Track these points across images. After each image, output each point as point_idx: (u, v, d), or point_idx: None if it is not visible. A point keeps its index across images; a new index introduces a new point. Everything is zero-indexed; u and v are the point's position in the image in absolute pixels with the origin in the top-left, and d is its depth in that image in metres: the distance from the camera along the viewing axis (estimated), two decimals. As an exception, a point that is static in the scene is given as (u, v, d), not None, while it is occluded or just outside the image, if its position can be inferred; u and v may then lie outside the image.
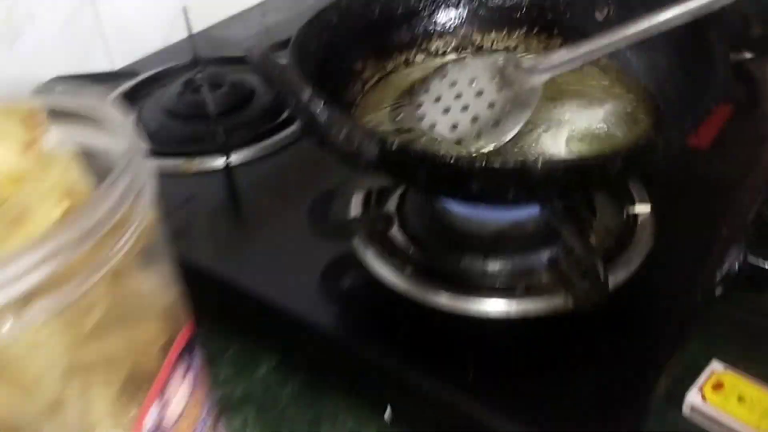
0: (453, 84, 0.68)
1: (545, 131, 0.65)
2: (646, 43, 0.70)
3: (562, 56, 0.65)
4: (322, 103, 0.47)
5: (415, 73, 0.76)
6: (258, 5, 1.29)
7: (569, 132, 0.64)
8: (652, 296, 0.64)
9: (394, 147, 0.52)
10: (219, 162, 0.83)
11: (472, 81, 0.67)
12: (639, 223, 0.70)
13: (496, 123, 0.65)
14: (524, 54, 0.77)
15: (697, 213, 0.71)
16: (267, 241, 0.73)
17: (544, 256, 0.67)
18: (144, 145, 0.40)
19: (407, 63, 0.76)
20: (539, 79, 0.66)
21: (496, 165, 0.50)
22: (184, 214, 0.78)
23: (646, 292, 0.64)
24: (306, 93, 0.47)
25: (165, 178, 0.82)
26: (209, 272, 0.70)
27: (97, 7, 1.06)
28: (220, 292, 0.70)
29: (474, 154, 0.59)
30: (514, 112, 0.65)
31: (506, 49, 0.78)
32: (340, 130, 0.49)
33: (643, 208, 0.70)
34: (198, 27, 1.18)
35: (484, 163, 0.50)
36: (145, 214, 0.40)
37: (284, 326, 0.67)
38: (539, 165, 0.50)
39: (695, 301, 0.63)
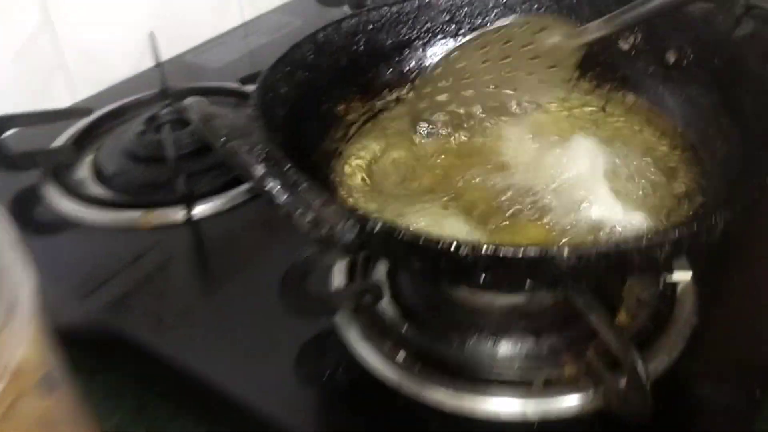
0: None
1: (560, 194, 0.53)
2: (682, 76, 0.59)
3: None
4: (278, 183, 0.36)
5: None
6: (239, 27, 1.17)
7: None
8: (699, 390, 0.53)
9: (378, 229, 0.40)
10: (179, 215, 0.71)
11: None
12: (678, 293, 0.58)
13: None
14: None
15: (748, 279, 0.60)
16: (230, 316, 0.62)
17: (567, 339, 0.55)
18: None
19: (399, 101, 0.65)
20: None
21: (510, 254, 0.38)
22: (131, 277, 0.66)
23: (692, 385, 0.53)
24: (257, 169, 0.36)
25: (118, 233, 0.72)
26: (156, 355, 0.59)
27: (56, 34, 0.95)
28: (171, 380, 0.59)
29: (481, 240, 0.47)
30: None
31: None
32: (305, 213, 0.37)
33: (682, 276, 0.58)
34: (172, 52, 1.07)
35: (493, 252, 0.38)
36: (16, 350, 0.29)
37: (251, 427, 0.55)
38: (565, 254, 0.38)
39: (753, 396, 0.51)
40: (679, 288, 0.58)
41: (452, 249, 0.39)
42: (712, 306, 0.57)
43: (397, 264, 0.53)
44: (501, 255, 0.39)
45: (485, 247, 0.38)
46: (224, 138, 0.36)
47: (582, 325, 0.55)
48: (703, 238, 0.40)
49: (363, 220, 0.41)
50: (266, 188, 0.36)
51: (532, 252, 0.38)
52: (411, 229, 0.40)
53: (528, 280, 0.40)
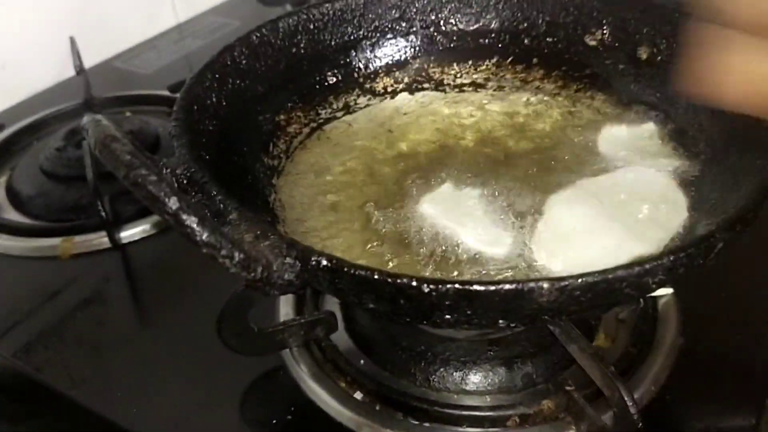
0: None
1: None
2: (656, 73, 0.53)
3: None
4: (196, 219, 0.29)
5: (358, 120, 0.58)
6: (173, 29, 1.09)
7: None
8: (690, 419, 0.48)
9: (323, 266, 0.33)
10: (103, 240, 0.63)
11: None
12: (660, 310, 0.53)
13: None
14: (495, 90, 0.60)
15: (733, 291, 0.55)
16: (163, 356, 0.55)
17: (542, 367, 0.50)
18: None
19: (348, 108, 0.58)
20: None
21: (482, 291, 0.32)
22: (49, 314, 0.59)
23: (681, 414, 0.48)
24: (169, 203, 0.29)
25: (35, 263, 0.64)
26: (77, 405, 0.52)
27: (-37, 40, 0.86)
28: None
29: (440, 276, 0.41)
30: None
31: (473, 84, 0.61)
32: (232, 253, 0.30)
33: (663, 291, 0.53)
34: (97, 58, 0.98)
35: (462, 288, 0.32)
36: None
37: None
38: (545, 287, 0.32)
39: (748, 424, 0.47)
40: (661, 304, 0.53)
41: (413, 286, 0.33)
42: (697, 322, 0.52)
43: (348, 304, 0.47)
44: (471, 292, 0.32)
45: (452, 283, 0.32)
46: (126, 167, 0.29)
47: (557, 350, 0.50)
48: (700, 261, 0.35)
49: (305, 256, 0.34)
50: (183, 225, 0.30)
51: (508, 287, 0.32)
52: (363, 265, 0.33)
53: (501, 319, 0.34)
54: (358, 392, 0.50)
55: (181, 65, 1.00)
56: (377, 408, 0.49)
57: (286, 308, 0.55)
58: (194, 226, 0.30)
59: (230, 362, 0.52)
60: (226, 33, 1.06)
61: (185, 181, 0.39)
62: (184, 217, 0.30)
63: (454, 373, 0.50)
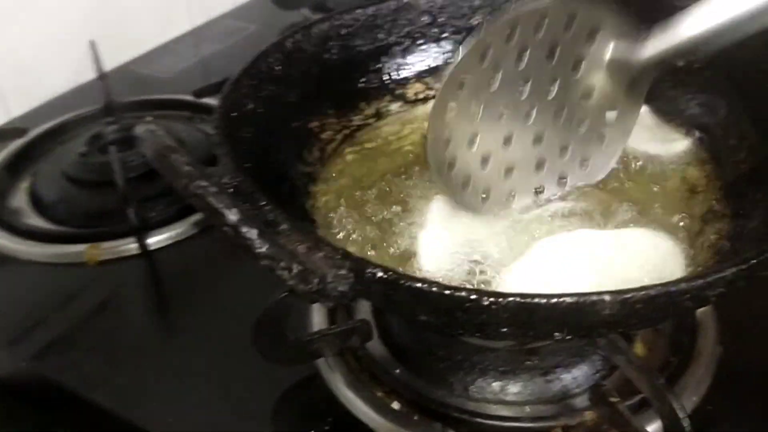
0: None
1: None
2: (694, 80, 0.53)
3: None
4: (256, 230, 0.29)
5: (389, 127, 0.58)
6: (188, 33, 1.08)
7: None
8: (731, 426, 0.47)
9: (378, 278, 0.33)
10: (131, 246, 0.63)
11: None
12: (698, 318, 0.52)
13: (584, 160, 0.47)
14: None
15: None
16: (192, 364, 0.54)
17: (582, 376, 0.49)
18: None
19: (379, 115, 0.57)
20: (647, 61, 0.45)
21: (542, 304, 0.32)
22: (75, 320, 0.58)
23: (725, 424, 0.47)
24: (229, 214, 0.28)
25: (60, 269, 0.64)
26: (102, 412, 0.51)
27: (-17, 44, 0.85)
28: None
29: (493, 289, 0.40)
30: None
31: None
32: (290, 266, 0.30)
33: (701, 300, 0.53)
34: (115, 62, 0.98)
35: (522, 301, 0.32)
36: None
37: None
38: (607, 299, 0.32)
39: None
40: (699, 312, 0.53)
41: (472, 299, 0.32)
42: (735, 331, 0.52)
43: (402, 317, 0.46)
44: (532, 305, 0.32)
45: (513, 296, 0.32)
46: (186, 178, 0.28)
47: (597, 359, 0.50)
48: (759, 272, 0.34)
49: (359, 268, 0.33)
50: (243, 237, 0.29)
51: (569, 300, 0.32)
52: (420, 277, 0.33)
53: (557, 332, 0.34)
54: (396, 402, 0.49)
55: (198, 70, 0.99)
56: (415, 418, 0.48)
57: (319, 317, 0.54)
58: (254, 238, 0.29)
59: (262, 371, 0.52)
60: (242, 37, 1.05)
61: (231, 191, 0.39)
62: (245, 229, 0.29)
63: (493, 383, 0.49)
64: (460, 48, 0.43)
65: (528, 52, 0.45)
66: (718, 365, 0.50)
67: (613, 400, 0.45)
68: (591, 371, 0.49)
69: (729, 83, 0.50)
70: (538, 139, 0.48)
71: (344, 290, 0.34)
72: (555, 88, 0.47)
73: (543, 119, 0.48)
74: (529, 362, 0.49)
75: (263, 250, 0.30)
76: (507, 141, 0.47)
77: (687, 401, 0.47)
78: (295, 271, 0.31)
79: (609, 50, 0.46)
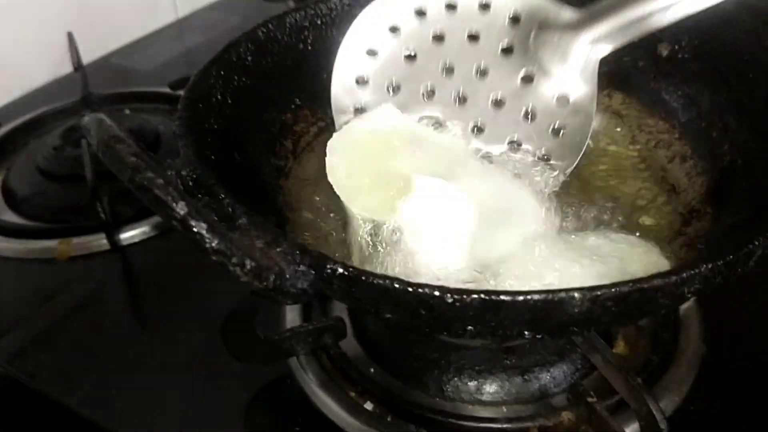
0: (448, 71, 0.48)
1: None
2: (678, 71, 0.51)
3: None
4: (205, 225, 0.27)
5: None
6: (172, 25, 1.07)
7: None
8: (714, 427, 0.46)
9: (339, 273, 0.31)
10: (102, 242, 0.61)
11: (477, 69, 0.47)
12: (681, 316, 0.51)
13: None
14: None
15: (756, 295, 0.53)
16: (165, 364, 0.53)
17: (560, 375, 0.48)
18: None
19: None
20: (591, 62, 0.45)
21: (508, 301, 0.30)
22: (44, 318, 0.57)
23: (706, 425, 0.46)
24: (177, 208, 0.27)
25: (31, 265, 0.62)
26: (72, 416, 0.50)
27: (-43, 36, 0.83)
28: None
29: (466, 284, 0.39)
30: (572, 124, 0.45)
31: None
32: (243, 261, 0.28)
33: (684, 297, 0.51)
34: (95, 54, 0.96)
35: (488, 299, 0.30)
36: None
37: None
38: (577, 297, 0.30)
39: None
40: (682, 310, 0.51)
41: (435, 296, 0.31)
42: (720, 329, 0.51)
43: (365, 313, 0.45)
44: (497, 302, 0.30)
45: (477, 293, 0.30)
46: (131, 169, 0.27)
47: (576, 358, 0.48)
48: (738, 269, 0.33)
49: (319, 264, 0.32)
50: (192, 231, 0.28)
51: (537, 297, 0.30)
52: (381, 274, 0.31)
53: (527, 331, 0.32)
54: (369, 402, 0.48)
55: (181, 62, 0.98)
56: (389, 419, 0.47)
57: (292, 314, 0.53)
58: (203, 232, 0.28)
59: (234, 370, 0.50)
60: (227, 29, 1.03)
61: (191, 183, 0.37)
62: (193, 223, 0.28)
63: (469, 383, 0.48)
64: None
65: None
66: (701, 364, 0.48)
67: (591, 400, 0.44)
68: (570, 370, 0.48)
69: (712, 74, 0.48)
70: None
71: (304, 287, 0.32)
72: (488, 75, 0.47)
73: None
74: (506, 361, 0.48)
75: (213, 245, 0.28)
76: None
77: (668, 401, 0.46)
78: (248, 267, 0.29)
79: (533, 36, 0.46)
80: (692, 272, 0.31)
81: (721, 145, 0.47)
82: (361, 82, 0.51)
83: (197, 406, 0.50)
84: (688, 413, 0.46)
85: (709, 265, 0.31)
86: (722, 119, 0.47)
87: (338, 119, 0.50)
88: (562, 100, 0.47)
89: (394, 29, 0.50)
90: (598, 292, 0.30)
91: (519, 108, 0.47)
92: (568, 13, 0.46)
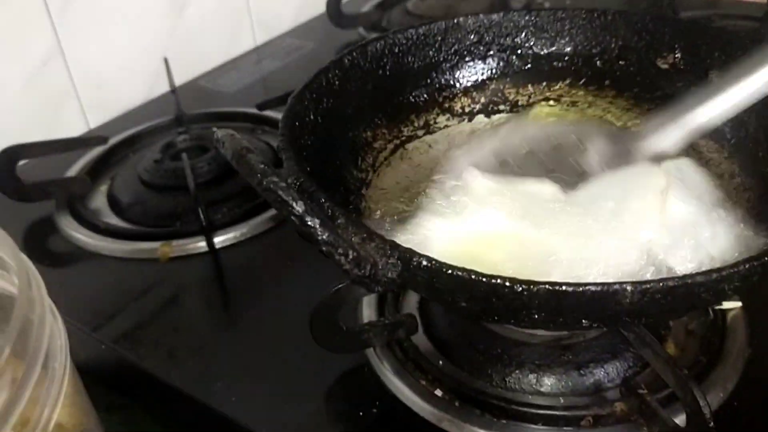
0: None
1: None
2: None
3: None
4: (318, 221, 0.34)
5: (437, 139, 0.62)
6: (252, 51, 1.16)
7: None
8: (758, 427, 0.49)
9: (423, 266, 0.37)
10: (200, 245, 0.69)
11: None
12: (728, 322, 0.55)
13: None
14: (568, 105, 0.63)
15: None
16: (254, 350, 0.59)
17: (614, 371, 0.52)
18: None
19: (427, 127, 0.62)
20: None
21: (570, 292, 0.36)
22: (148, 309, 0.64)
23: (749, 421, 0.50)
24: (297, 206, 0.33)
25: (135, 264, 0.70)
26: (175, 391, 0.56)
27: (67, 60, 0.93)
28: (191, 418, 0.56)
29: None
30: None
31: (546, 100, 0.64)
32: (346, 251, 0.35)
33: (732, 304, 0.55)
34: (184, 77, 1.05)
35: (552, 289, 0.36)
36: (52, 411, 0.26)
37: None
38: (629, 289, 0.35)
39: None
40: (729, 316, 0.55)
41: (507, 286, 0.36)
42: (764, 334, 0.54)
43: (442, 303, 0.51)
44: (560, 292, 0.36)
45: (543, 284, 0.36)
46: (260, 174, 0.33)
47: (629, 356, 0.53)
48: (773, 270, 0.37)
49: (407, 257, 0.38)
50: (307, 225, 0.34)
51: (593, 288, 0.36)
52: (461, 267, 0.37)
53: (584, 319, 0.37)
54: (438, 389, 0.53)
55: (260, 85, 1.06)
56: (456, 404, 0.52)
57: (369, 310, 0.59)
58: (317, 226, 0.34)
59: (317, 359, 0.56)
60: (301, 55, 1.12)
61: (294, 190, 0.44)
62: (308, 219, 0.34)
63: (529, 375, 0.52)
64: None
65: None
66: (746, 365, 0.52)
67: (642, 392, 0.49)
68: (623, 367, 0.52)
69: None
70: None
71: (393, 277, 0.38)
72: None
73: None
74: (563, 357, 0.53)
75: (324, 237, 0.34)
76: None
77: (714, 396, 0.49)
78: (350, 257, 0.36)
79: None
80: (732, 270, 0.36)
81: (766, 164, 0.51)
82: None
83: (284, 389, 0.56)
84: (732, 408, 0.49)
85: (746, 265, 0.36)
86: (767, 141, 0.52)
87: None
88: None
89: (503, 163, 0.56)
90: (648, 285, 0.36)
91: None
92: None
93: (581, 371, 0.52)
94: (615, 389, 0.51)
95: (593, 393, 0.52)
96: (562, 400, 0.51)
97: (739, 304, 0.55)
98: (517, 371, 0.53)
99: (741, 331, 0.54)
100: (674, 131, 0.51)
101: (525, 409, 0.50)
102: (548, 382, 0.52)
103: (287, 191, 0.34)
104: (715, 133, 0.56)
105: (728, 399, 0.50)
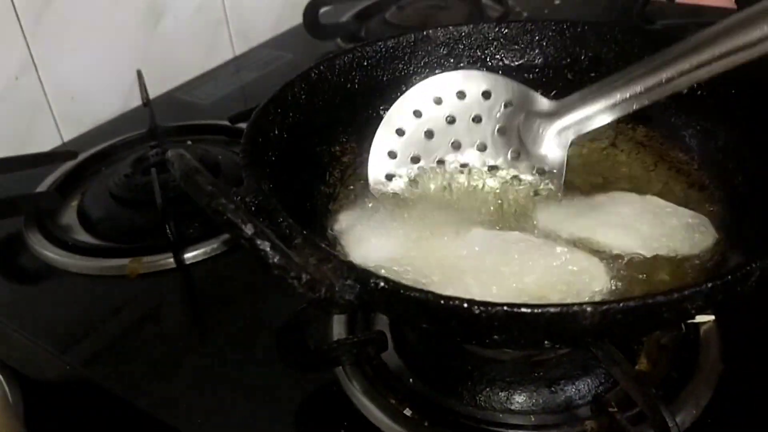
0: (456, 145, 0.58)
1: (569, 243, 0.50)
2: (696, 106, 0.55)
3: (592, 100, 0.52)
4: (268, 243, 0.33)
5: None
6: (230, 62, 1.15)
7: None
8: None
9: (380, 288, 0.36)
10: (170, 261, 0.68)
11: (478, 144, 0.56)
12: (701, 336, 0.54)
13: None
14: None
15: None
16: (223, 369, 0.58)
17: (585, 388, 0.52)
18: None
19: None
20: (563, 140, 0.54)
21: (528, 313, 0.35)
22: (116, 327, 0.63)
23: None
24: (245, 229, 0.32)
25: (105, 281, 0.69)
26: (141, 414, 0.55)
27: (39, 73, 0.92)
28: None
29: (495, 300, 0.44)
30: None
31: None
32: (299, 275, 0.34)
33: (705, 318, 0.55)
34: (161, 89, 1.04)
35: (511, 311, 0.35)
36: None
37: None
38: (589, 311, 0.34)
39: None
40: (702, 330, 0.55)
41: (465, 308, 0.35)
42: (738, 348, 0.54)
43: (403, 323, 0.50)
44: (518, 314, 0.35)
45: (501, 306, 0.35)
46: (208, 196, 0.32)
47: (600, 372, 0.52)
48: (738, 289, 0.37)
49: (363, 278, 0.37)
50: (257, 248, 0.33)
51: (552, 310, 0.35)
52: (418, 288, 0.36)
53: (546, 340, 0.37)
54: (408, 409, 0.52)
55: (238, 96, 1.05)
56: (426, 424, 0.51)
57: (338, 328, 0.58)
58: (267, 250, 0.33)
59: (285, 378, 0.55)
60: (280, 65, 1.11)
61: (253, 208, 0.43)
62: (258, 242, 0.33)
63: (500, 393, 0.52)
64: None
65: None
66: (719, 381, 0.51)
67: (612, 410, 0.48)
68: (594, 384, 0.52)
69: (730, 109, 0.52)
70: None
71: (350, 299, 0.37)
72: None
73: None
74: (534, 374, 0.52)
75: (275, 260, 0.33)
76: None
77: (686, 414, 0.49)
78: (304, 280, 0.35)
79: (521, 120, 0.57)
80: (694, 290, 0.35)
81: (736, 176, 0.51)
82: (391, 155, 0.58)
83: (251, 410, 0.55)
84: (706, 425, 0.49)
85: (710, 284, 0.35)
86: (738, 152, 0.51)
87: (374, 187, 0.58)
88: (540, 171, 0.57)
89: (417, 113, 0.59)
90: (607, 306, 0.35)
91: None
92: (545, 104, 0.57)
93: (552, 388, 0.52)
94: (586, 406, 0.51)
95: (564, 410, 0.51)
96: (533, 418, 0.51)
97: (712, 317, 0.55)
98: (487, 389, 0.52)
99: (714, 345, 0.54)
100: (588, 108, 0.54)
101: (495, 429, 0.50)
102: (519, 400, 0.52)
103: (236, 213, 0.33)
104: (685, 144, 0.56)
105: (701, 416, 0.49)
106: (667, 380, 0.51)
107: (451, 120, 0.59)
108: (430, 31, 0.62)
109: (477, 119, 0.58)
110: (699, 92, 0.55)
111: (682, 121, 0.56)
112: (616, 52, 0.59)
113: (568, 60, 0.62)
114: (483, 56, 0.63)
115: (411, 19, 1.12)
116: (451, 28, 0.62)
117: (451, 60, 0.63)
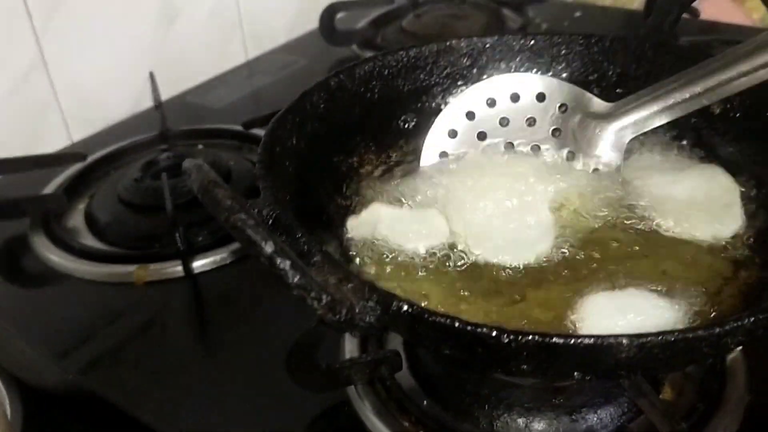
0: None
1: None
2: (730, 127, 0.54)
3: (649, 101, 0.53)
4: (288, 262, 0.31)
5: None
6: (242, 66, 1.13)
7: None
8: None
9: (403, 311, 0.34)
10: (177, 269, 0.66)
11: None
12: (728, 366, 0.52)
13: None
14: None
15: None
16: (229, 384, 0.56)
17: (609, 416, 0.49)
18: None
19: (417, 153, 0.59)
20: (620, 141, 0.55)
21: (561, 343, 0.33)
22: (120, 335, 0.61)
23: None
24: (265, 247, 0.30)
25: (110, 288, 0.67)
26: (142, 426, 0.53)
27: (49, 72, 0.91)
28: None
29: (522, 326, 0.42)
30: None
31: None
32: (319, 296, 0.32)
33: (731, 347, 0.53)
34: (171, 92, 1.03)
35: (542, 340, 0.33)
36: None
37: None
38: (625, 343, 0.32)
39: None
40: (728, 359, 0.53)
41: (492, 336, 0.33)
42: (765, 379, 0.52)
43: (424, 349, 0.48)
44: (550, 344, 0.33)
45: (532, 335, 0.33)
46: (227, 211, 0.31)
47: (624, 401, 0.50)
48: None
49: (386, 300, 0.35)
50: (277, 267, 0.31)
51: (587, 341, 0.33)
52: (443, 312, 0.34)
53: (577, 372, 0.35)
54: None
55: (250, 101, 1.04)
56: (440, 451, 0.49)
57: (351, 345, 0.56)
58: (287, 269, 0.32)
59: (294, 395, 0.53)
60: (293, 71, 1.10)
61: (270, 222, 0.41)
62: (278, 260, 0.32)
63: (518, 419, 0.50)
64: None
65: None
66: (746, 413, 0.49)
67: (637, 441, 0.46)
68: (617, 413, 0.50)
69: (762, 131, 0.51)
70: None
71: (371, 322, 0.36)
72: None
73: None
74: (555, 400, 0.50)
75: (295, 280, 0.32)
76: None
77: (713, 447, 0.47)
78: (324, 301, 0.33)
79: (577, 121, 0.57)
80: (735, 325, 0.33)
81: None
82: (442, 156, 0.59)
83: (259, 427, 0.53)
84: (733, 460, 0.47)
85: (752, 318, 0.33)
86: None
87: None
88: (595, 170, 0.57)
89: (470, 115, 0.59)
90: (645, 339, 0.33)
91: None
92: (602, 106, 0.57)
93: (573, 416, 0.50)
94: (608, 438, 0.49)
95: (586, 442, 0.49)
96: (552, 448, 0.49)
97: (738, 348, 0.53)
98: (505, 414, 0.50)
99: (741, 375, 0.52)
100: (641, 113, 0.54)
101: (512, 457, 0.48)
102: (538, 428, 0.50)
103: (256, 230, 0.31)
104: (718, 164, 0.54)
105: (728, 449, 0.47)
106: (692, 412, 0.49)
107: (504, 122, 0.58)
108: (454, 42, 0.60)
109: (531, 121, 0.58)
110: (731, 113, 0.53)
111: (716, 141, 0.54)
112: (646, 69, 0.58)
113: (595, 75, 0.60)
114: (507, 68, 0.61)
115: (428, 28, 1.11)
116: (475, 39, 0.60)
117: (474, 71, 0.61)
